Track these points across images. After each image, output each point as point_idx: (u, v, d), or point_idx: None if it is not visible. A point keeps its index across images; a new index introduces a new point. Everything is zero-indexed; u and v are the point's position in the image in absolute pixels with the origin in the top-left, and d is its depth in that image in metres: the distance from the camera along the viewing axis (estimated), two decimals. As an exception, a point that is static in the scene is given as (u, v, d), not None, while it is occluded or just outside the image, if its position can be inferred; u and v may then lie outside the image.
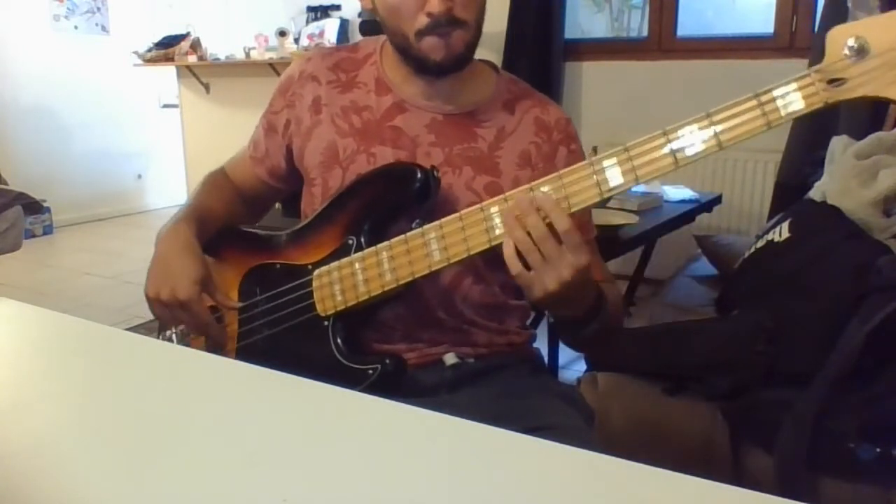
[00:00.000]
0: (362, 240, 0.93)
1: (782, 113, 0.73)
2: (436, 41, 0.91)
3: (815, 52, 2.50)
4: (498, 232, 0.83)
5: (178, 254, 0.97)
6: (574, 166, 0.81)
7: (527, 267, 0.81)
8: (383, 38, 1.06)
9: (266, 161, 1.12)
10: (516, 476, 0.51)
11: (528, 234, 0.80)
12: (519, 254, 0.81)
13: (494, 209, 0.83)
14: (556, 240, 0.79)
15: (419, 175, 0.91)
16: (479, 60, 1.05)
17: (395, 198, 0.95)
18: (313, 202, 1.03)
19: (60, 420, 0.61)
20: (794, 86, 0.73)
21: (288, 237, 1.02)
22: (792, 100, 0.73)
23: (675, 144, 0.76)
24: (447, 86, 1.00)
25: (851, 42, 0.71)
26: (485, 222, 0.83)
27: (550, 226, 0.79)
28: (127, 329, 0.88)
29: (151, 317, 1.03)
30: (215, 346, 1.01)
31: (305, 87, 1.05)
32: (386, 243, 0.89)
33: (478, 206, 0.84)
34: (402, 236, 0.88)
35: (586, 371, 1.50)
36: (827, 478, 1.12)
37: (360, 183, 0.97)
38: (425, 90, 1.01)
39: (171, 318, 0.97)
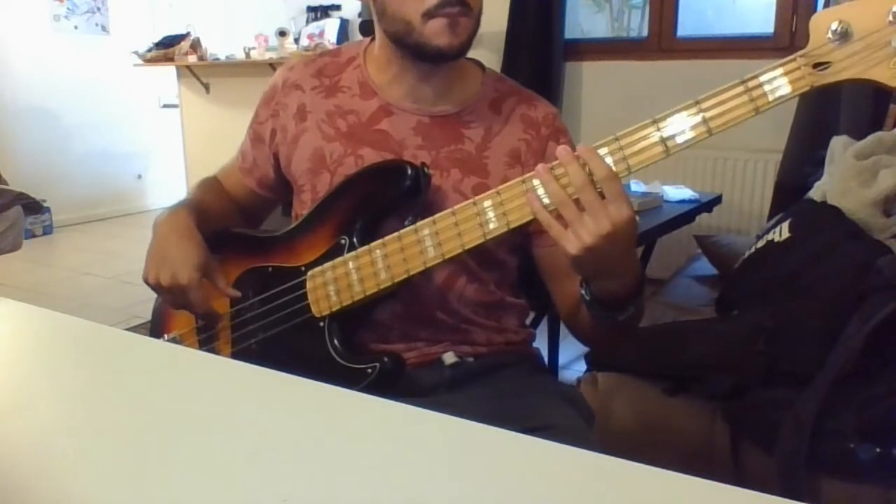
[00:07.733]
0: (355, 239, 0.93)
1: (770, 98, 0.73)
2: (443, 24, 0.90)
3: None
4: (492, 226, 0.82)
5: (179, 239, 0.96)
6: None
7: (563, 225, 0.76)
8: (366, 41, 1.06)
9: (255, 171, 1.11)
10: (516, 476, 0.51)
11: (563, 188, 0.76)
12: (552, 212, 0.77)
13: (487, 203, 0.83)
14: (595, 189, 0.75)
15: (409, 171, 0.91)
16: (466, 59, 1.04)
17: (386, 195, 0.94)
18: (303, 208, 1.02)
19: (60, 420, 0.61)
20: (780, 71, 0.73)
21: (279, 239, 1.01)
22: (779, 84, 0.73)
23: (665, 132, 0.77)
24: (435, 85, 0.99)
25: (835, 26, 0.71)
26: (478, 217, 0.83)
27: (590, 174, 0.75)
28: (127, 329, 0.88)
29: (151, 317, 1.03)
30: (209, 347, 1.01)
31: (289, 95, 1.05)
32: (379, 241, 0.89)
33: (470, 200, 0.84)
34: (396, 234, 0.88)
35: (586, 371, 1.50)
36: (827, 478, 1.12)
37: (350, 182, 0.97)
38: (412, 91, 1.00)
39: (173, 302, 0.97)
